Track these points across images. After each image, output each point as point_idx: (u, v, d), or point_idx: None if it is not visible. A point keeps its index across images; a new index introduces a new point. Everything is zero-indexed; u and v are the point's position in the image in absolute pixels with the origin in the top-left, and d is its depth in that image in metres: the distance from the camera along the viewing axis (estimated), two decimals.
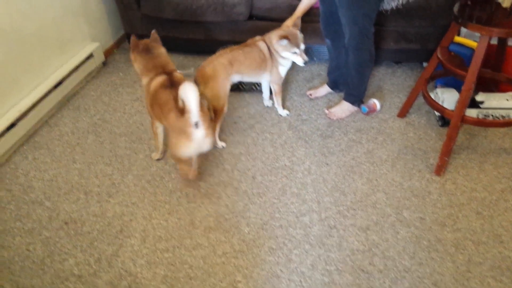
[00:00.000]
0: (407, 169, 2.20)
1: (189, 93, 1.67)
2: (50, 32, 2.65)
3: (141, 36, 3.16)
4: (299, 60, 2.34)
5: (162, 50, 2.16)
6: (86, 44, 3.01)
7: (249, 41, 2.43)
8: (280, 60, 2.41)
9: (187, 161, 2.03)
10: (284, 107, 2.64)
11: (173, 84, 1.89)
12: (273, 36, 2.37)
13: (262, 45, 2.39)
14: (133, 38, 2.10)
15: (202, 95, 2.17)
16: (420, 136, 2.41)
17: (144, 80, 2.08)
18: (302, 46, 2.32)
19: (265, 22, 2.97)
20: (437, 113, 2.53)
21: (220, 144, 2.38)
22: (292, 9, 2.83)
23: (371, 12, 2.21)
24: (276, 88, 2.53)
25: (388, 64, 3.06)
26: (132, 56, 2.11)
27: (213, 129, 1.95)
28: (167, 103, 1.83)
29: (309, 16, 2.81)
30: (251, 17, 2.99)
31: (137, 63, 2.10)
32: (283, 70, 2.46)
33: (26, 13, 2.43)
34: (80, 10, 2.92)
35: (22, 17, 2.40)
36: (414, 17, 2.69)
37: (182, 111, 1.73)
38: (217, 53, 2.32)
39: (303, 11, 2.79)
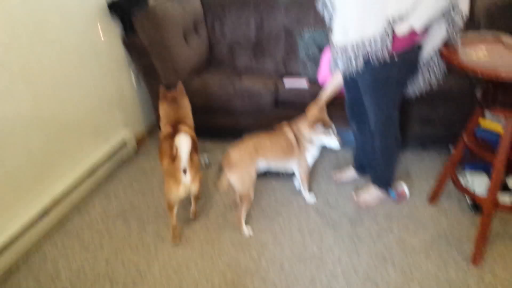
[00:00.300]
0: (442, 259, 2.10)
1: (182, 143, 2.00)
2: (86, 121, 2.79)
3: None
4: (335, 142, 2.37)
5: (186, 104, 2.52)
6: (119, 132, 3.14)
7: (277, 128, 2.48)
8: (309, 148, 2.43)
9: (173, 210, 2.25)
10: (310, 192, 2.63)
11: (174, 135, 2.17)
12: (302, 124, 2.42)
13: (289, 132, 2.43)
14: (161, 88, 2.49)
15: (226, 181, 2.22)
16: (453, 223, 2.34)
17: (162, 130, 2.41)
18: (334, 128, 2.37)
19: (291, 110, 3.06)
20: (468, 199, 2.47)
21: (247, 231, 2.35)
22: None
23: (394, 98, 2.25)
24: (302, 175, 2.53)
25: (414, 148, 3.06)
26: (160, 105, 2.47)
27: (200, 179, 2.24)
28: (166, 151, 2.16)
29: (333, 103, 2.89)
30: (276, 105, 3.09)
31: (162, 112, 2.46)
32: (311, 158, 2.48)
33: (66, 103, 2.58)
34: (115, 100, 3.09)
35: (62, 107, 2.55)
36: (437, 103, 2.73)
37: (174, 158, 2.04)
38: (243, 139, 2.37)
39: (327, 99, 2.88)
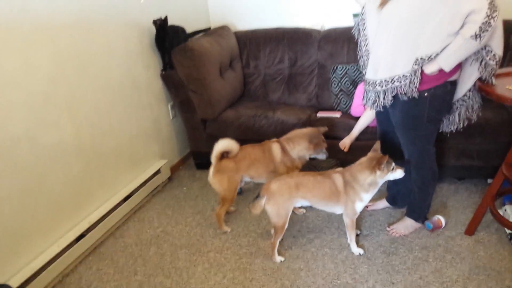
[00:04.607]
0: None
1: (218, 143, 2.47)
2: (124, 150, 2.90)
3: (205, 154, 3.40)
4: (400, 173, 2.20)
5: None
6: (155, 161, 3.24)
7: (330, 171, 2.37)
8: (363, 196, 2.24)
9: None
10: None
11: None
12: (361, 173, 2.20)
13: (337, 178, 2.27)
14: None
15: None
16: (492, 255, 2.25)
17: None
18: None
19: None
20: (508, 231, 2.38)
21: (278, 258, 2.34)
22: (349, 128, 2.96)
23: (428, 135, 2.22)
24: (348, 221, 2.34)
25: (450, 181, 3.00)
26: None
27: (221, 177, 2.52)
28: None
29: (365, 135, 2.91)
30: None
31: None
32: (360, 206, 2.28)
33: (106, 133, 2.71)
34: (152, 131, 3.21)
35: (102, 137, 2.67)
36: (474, 135, 2.69)
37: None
38: (289, 174, 2.39)
39: (360, 130, 2.90)
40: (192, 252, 2.48)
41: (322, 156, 2.73)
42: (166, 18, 3.03)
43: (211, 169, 2.53)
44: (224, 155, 2.53)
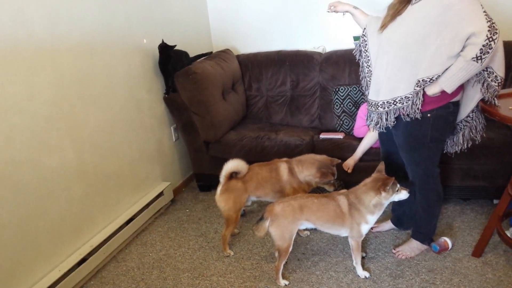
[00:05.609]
0: None
1: (227, 163, 2.48)
2: (126, 173, 2.89)
3: (208, 176, 3.40)
4: (405, 194, 2.19)
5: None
6: (157, 184, 3.23)
7: (333, 193, 2.36)
8: (369, 218, 2.21)
9: None
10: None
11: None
12: (367, 192, 2.19)
13: (342, 200, 2.25)
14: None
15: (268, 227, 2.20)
16: (500, 277, 2.21)
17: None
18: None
19: None
20: None
21: (283, 282, 2.30)
22: (352, 149, 2.95)
23: (432, 155, 2.21)
24: (353, 244, 2.30)
25: (456, 201, 2.97)
26: None
27: (228, 197, 2.52)
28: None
29: (368, 156, 2.90)
30: None
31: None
32: (365, 228, 2.25)
33: (108, 156, 2.70)
34: (155, 153, 3.21)
35: (104, 160, 2.67)
36: (478, 156, 2.67)
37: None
38: (293, 196, 2.37)
39: (363, 151, 2.90)
40: (195, 276, 2.44)
41: (329, 188, 2.70)
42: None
43: (219, 188, 2.53)
44: (232, 175, 2.52)
